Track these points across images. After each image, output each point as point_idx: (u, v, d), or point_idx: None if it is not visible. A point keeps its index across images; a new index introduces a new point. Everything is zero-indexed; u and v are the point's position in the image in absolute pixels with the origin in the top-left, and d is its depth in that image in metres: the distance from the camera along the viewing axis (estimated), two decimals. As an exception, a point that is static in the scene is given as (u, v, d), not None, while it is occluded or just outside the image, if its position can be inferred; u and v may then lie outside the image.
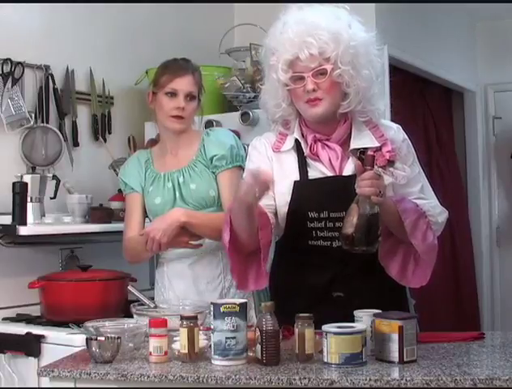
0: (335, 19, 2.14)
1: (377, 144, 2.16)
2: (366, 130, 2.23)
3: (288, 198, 2.19)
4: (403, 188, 2.19)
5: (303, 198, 2.18)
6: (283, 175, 2.21)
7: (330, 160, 2.19)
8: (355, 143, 2.19)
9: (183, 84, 2.50)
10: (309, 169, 2.20)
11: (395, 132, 2.28)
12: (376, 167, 1.96)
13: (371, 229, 2.00)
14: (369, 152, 2.05)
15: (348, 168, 2.18)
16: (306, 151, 2.20)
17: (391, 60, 3.80)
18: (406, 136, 2.32)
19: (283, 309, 1.95)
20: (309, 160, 2.21)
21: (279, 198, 2.21)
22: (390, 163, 2.06)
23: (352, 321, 1.91)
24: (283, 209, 2.20)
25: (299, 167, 2.21)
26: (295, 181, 2.19)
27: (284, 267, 2.27)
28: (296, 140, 2.23)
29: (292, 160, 2.23)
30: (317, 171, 2.20)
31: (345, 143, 2.21)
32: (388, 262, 2.17)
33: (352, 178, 2.08)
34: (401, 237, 2.14)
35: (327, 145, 2.20)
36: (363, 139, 2.20)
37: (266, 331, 1.80)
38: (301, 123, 2.24)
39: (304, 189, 2.19)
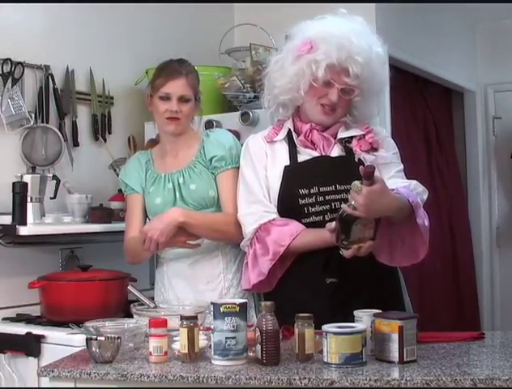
0: (376, 47, 2.33)
1: (361, 133, 2.35)
2: (353, 126, 2.39)
3: (280, 181, 2.31)
4: (381, 171, 2.26)
5: (293, 179, 2.31)
6: (276, 162, 2.35)
7: (323, 145, 2.34)
8: (342, 134, 2.35)
9: (175, 88, 2.50)
10: (298, 155, 2.35)
11: (379, 129, 2.45)
12: (359, 182, 2.02)
13: (340, 232, 2.08)
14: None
15: (335, 152, 2.34)
16: (300, 137, 2.35)
17: (391, 60, 3.78)
18: (390, 136, 2.48)
19: (281, 304, 1.96)
20: (299, 148, 2.35)
21: (272, 182, 2.33)
22: (374, 149, 2.30)
23: (347, 307, 1.93)
24: (276, 193, 2.32)
25: (290, 154, 2.35)
26: (285, 166, 2.32)
27: None
28: (289, 131, 2.37)
29: (283, 150, 2.37)
30: (306, 155, 2.34)
31: (335, 136, 2.38)
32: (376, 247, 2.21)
33: (337, 159, 2.31)
34: (398, 221, 2.19)
35: (322, 135, 2.35)
36: (349, 131, 2.37)
37: (266, 331, 1.81)
38: (296, 118, 2.39)
39: (293, 171, 2.32)
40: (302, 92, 2.31)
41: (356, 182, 2.02)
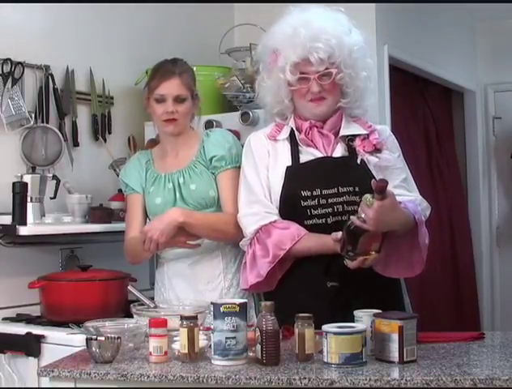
0: (338, 25, 2.31)
1: (364, 132, 2.33)
2: (355, 123, 2.38)
3: (282, 183, 2.30)
4: (387, 177, 2.25)
5: (295, 180, 2.29)
6: (277, 162, 2.34)
7: (323, 144, 2.32)
8: (344, 131, 2.34)
9: (169, 89, 2.50)
10: (300, 155, 2.33)
11: (382, 128, 2.43)
12: (370, 196, 2.02)
13: (344, 243, 2.08)
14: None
15: (338, 152, 2.32)
16: (301, 135, 2.34)
17: (391, 60, 3.80)
18: (393, 135, 2.45)
19: (281, 304, 1.96)
20: (301, 147, 2.34)
21: (274, 183, 2.32)
22: (377, 150, 2.28)
23: (348, 310, 1.93)
24: (278, 195, 2.30)
25: (291, 154, 2.33)
26: (287, 167, 2.31)
27: None
28: (292, 130, 2.36)
29: (285, 149, 2.36)
30: (308, 155, 2.33)
31: (337, 134, 2.35)
32: None
33: (340, 160, 2.30)
34: (400, 234, 2.18)
35: (321, 132, 2.34)
36: (352, 128, 2.35)
37: (266, 331, 1.81)
38: (296, 117, 2.38)
39: (295, 172, 2.31)
40: (286, 101, 2.35)
41: (368, 196, 2.02)
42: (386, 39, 3.68)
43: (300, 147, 2.34)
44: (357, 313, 1.91)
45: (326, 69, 2.27)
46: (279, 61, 2.30)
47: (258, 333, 1.82)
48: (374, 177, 2.21)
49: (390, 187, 2.10)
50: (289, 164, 2.32)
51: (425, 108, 4.85)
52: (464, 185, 5.26)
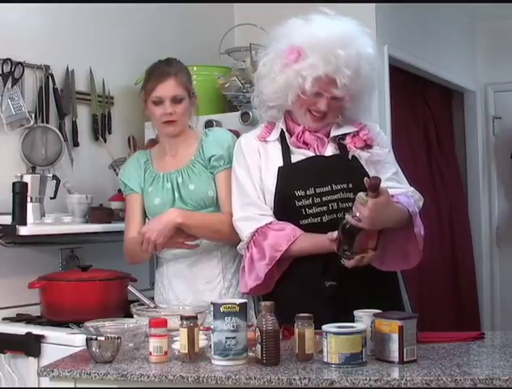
0: (371, 56, 2.29)
1: (354, 130, 2.34)
2: (345, 124, 2.37)
3: (274, 183, 2.28)
4: (379, 171, 2.27)
5: (288, 180, 2.28)
6: (269, 163, 2.33)
7: (315, 145, 2.33)
8: (335, 132, 2.34)
9: (166, 90, 2.49)
10: (292, 156, 2.32)
11: (372, 125, 2.42)
12: (364, 194, 2.02)
13: (341, 242, 2.08)
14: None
15: (329, 151, 2.32)
16: (292, 138, 2.33)
17: (391, 60, 3.80)
18: (382, 132, 2.46)
19: (280, 305, 1.96)
20: (292, 148, 2.33)
21: (268, 184, 2.31)
22: (368, 146, 2.29)
23: (347, 309, 1.92)
24: (271, 196, 2.29)
25: (283, 155, 2.32)
26: (279, 167, 2.30)
27: None
28: (282, 131, 2.35)
29: (276, 150, 2.35)
30: (300, 155, 2.32)
31: (328, 135, 2.35)
32: None
33: (331, 158, 2.30)
34: (395, 229, 2.18)
35: (316, 135, 2.33)
36: (342, 128, 2.36)
37: (266, 331, 1.81)
38: (288, 119, 2.37)
39: (288, 172, 2.30)
40: (290, 102, 2.30)
41: (361, 194, 2.01)
42: (386, 39, 3.68)
43: (291, 149, 2.34)
44: (357, 313, 1.91)
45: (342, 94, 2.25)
46: (302, 65, 2.23)
47: (258, 333, 1.82)
48: (367, 173, 2.22)
49: (381, 180, 2.10)
50: (280, 164, 2.31)
51: (425, 108, 4.85)
52: (464, 185, 5.26)
